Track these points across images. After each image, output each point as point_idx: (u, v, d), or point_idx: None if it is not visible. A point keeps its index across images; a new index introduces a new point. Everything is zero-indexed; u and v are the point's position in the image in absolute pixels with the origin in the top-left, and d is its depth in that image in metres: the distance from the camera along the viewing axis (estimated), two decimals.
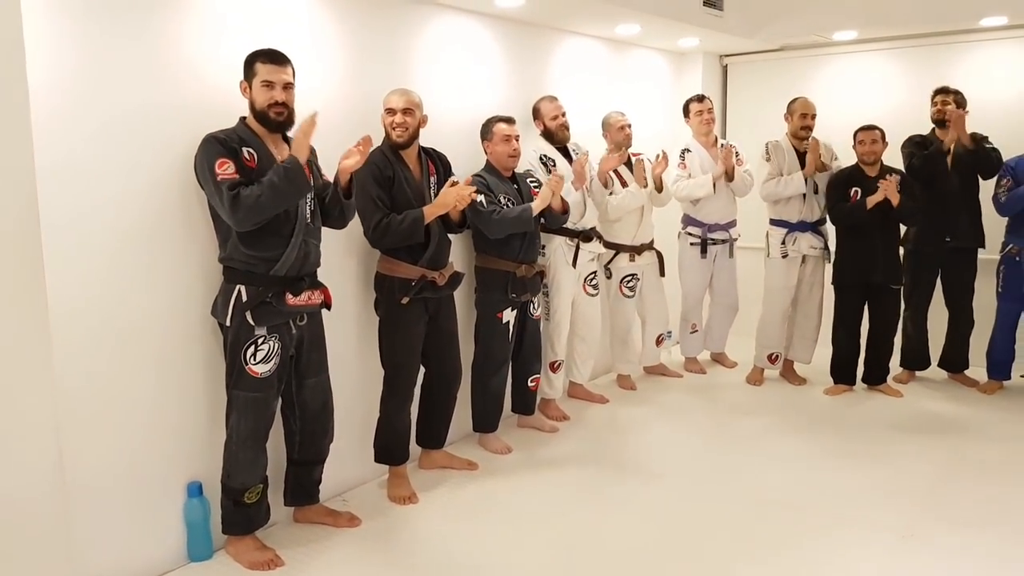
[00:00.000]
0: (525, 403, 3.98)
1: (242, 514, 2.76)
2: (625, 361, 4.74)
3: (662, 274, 4.74)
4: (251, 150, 2.62)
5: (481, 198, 3.50)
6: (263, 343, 2.67)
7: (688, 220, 4.93)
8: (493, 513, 3.16)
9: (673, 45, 5.30)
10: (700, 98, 4.87)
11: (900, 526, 3.01)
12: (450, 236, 3.38)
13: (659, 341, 4.84)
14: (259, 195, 2.49)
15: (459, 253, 3.75)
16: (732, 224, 4.92)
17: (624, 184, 4.43)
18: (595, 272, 4.28)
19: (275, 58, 2.62)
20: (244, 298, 2.64)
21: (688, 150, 4.83)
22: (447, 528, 3.03)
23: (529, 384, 3.93)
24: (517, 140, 3.66)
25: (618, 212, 4.42)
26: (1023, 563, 2.72)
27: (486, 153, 3.70)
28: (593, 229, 4.21)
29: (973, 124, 4.43)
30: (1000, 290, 4.52)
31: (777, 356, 4.79)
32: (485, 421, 3.77)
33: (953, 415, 4.24)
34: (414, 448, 3.47)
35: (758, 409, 4.38)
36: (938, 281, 4.63)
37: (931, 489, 3.35)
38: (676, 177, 4.76)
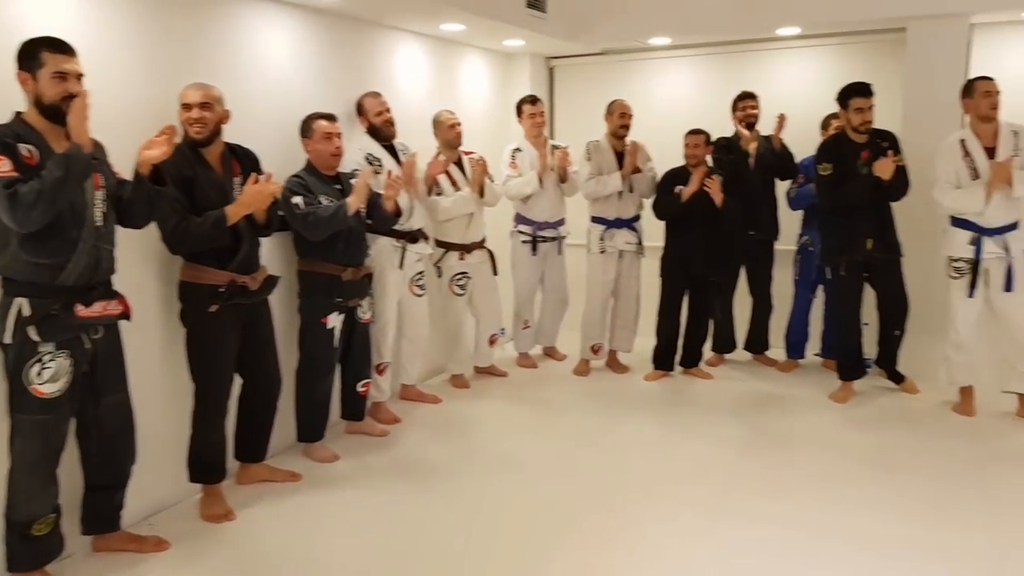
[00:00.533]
0: (355, 409, 3.90)
1: (30, 548, 2.52)
2: (457, 360, 4.76)
3: (495, 273, 4.80)
4: (30, 147, 2.40)
5: (298, 199, 3.39)
6: (50, 360, 2.45)
7: (519, 219, 5.03)
8: (318, 524, 3.07)
9: (499, 45, 5.37)
10: (533, 100, 4.97)
11: (707, 498, 3.24)
12: (262, 239, 3.21)
13: (492, 341, 4.90)
14: (40, 190, 2.29)
15: (281, 257, 3.61)
16: (561, 222, 5.06)
17: (455, 185, 4.44)
18: (422, 272, 4.26)
19: (63, 48, 2.42)
20: (26, 312, 2.41)
21: (519, 149, 4.93)
22: (268, 544, 2.92)
23: (359, 390, 3.84)
24: (339, 138, 3.57)
25: (448, 215, 4.44)
26: (817, 526, 2.99)
27: (307, 152, 3.58)
28: (420, 230, 4.19)
29: (769, 126, 4.81)
30: (796, 278, 4.97)
31: (600, 347, 5.00)
32: (310, 430, 3.66)
33: (756, 392, 4.62)
34: (232, 463, 3.31)
35: (584, 399, 4.55)
36: (742, 271, 5.01)
37: (735, 462, 3.63)
38: (507, 176, 4.85)
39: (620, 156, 4.79)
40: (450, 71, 5.07)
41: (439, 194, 4.39)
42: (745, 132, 4.82)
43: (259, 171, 3.08)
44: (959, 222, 4.06)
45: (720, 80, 5.48)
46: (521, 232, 4.99)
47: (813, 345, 5.07)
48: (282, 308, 3.56)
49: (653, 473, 3.51)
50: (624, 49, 5.72)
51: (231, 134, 3.13)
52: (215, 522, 3.05)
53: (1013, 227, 3.99)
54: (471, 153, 4.57)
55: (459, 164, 4.54)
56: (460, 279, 4.61)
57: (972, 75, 4.21)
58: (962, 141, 4.02)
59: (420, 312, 4.28)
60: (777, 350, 5.12)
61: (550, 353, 5.35)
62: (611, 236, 4.84)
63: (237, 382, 3.22)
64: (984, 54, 4.75)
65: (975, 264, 3.99)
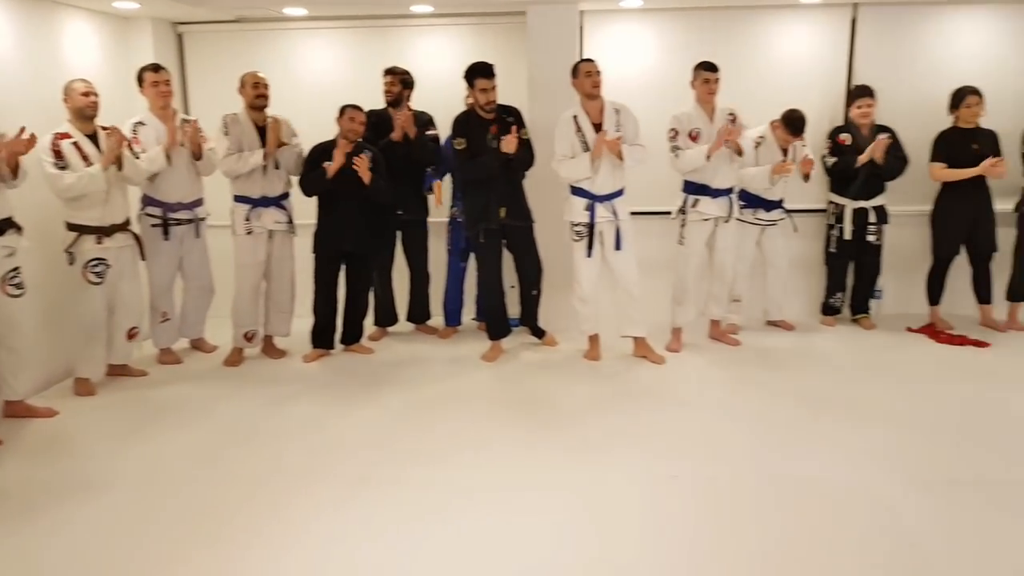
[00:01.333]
0: None
1: None
2: (89, 361, 4.20)
3: (142, 258, 4.37)
4: None
5: None
6: None
7: (147, 200, 4.56)
8: None
9: (109, 7, 4.77)
10: (155, 68, 4.52)
11: (359, 471, 3.26)
12: None
13: (132, 335, 4.42)
14: None
15: None
16: (198, 203, 4.68)
17: (86, 160, 3.96)
18: (17, 269, 3.64)
19: None
20: None
21: (142, 123, 4.46)
22: None
23: None
24: None
25: (71, 192, 3.94)
26: (459, 483, 3.14)
27: None
28: (9, 219, 3.57)
29: (422, 102, 4.90)
30: (449, 247, 5.17)
31: (254, 334, 4.77)
32: None
33: (416, 361, 4.72)
34: None
35: (235, 391, 4.27)
36: (398, 244, 5.08)
37: (387, 433, 3.68)
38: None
39: (262, 131, 4.55)
40: (46, 36, 4.39)
41: (63, 168, 3.87)
42: (392, 110, 4.85)
43: None
44: (576, 191, 4.50)
45: (365, 55, 5.45)
46: (150, 215, 4.53)
47: (470, 310, 5.33)
48: None
49: (307, 456, 3.42)
50: (261, 18, 5.42)
51: None
52: None
53: (619, 194, 4.52)
54: (109, 129, 4.07)
55: (94, 138, 4.05)
56: (96, 266, 4.10)
57: (583, 57, 4.67)
58: (574, 117, 4.44)
59: (18, 316, 3.67)
60: (438, 318, 5.30)
61: (198, 346, 4.96)
62: (258, 216, 4.60)
63: None
64: (594, 39, 5.31)
65: (591, 227, 4.46)
